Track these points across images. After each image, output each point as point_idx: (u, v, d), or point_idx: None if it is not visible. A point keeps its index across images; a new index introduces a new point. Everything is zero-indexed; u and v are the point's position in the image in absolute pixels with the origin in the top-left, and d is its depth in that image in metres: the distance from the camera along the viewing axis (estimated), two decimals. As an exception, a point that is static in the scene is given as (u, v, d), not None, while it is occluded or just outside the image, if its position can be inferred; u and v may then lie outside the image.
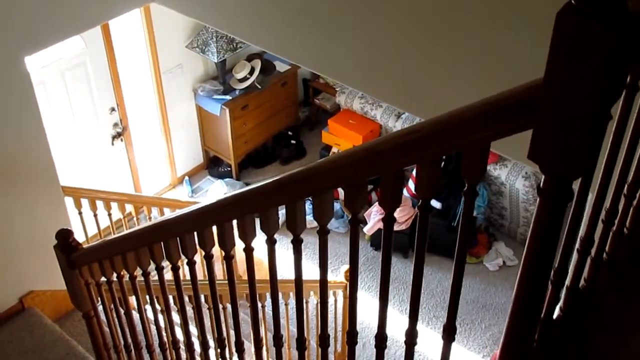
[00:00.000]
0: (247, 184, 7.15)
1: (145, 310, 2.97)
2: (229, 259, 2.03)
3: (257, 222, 1.88)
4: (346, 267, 4.59)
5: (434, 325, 5.90)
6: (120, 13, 4.29)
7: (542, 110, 1.06)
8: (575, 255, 1.64)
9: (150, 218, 5.15)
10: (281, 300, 4.49)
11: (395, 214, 5.25)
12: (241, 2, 3.79)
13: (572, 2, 0.98)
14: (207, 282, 2.22)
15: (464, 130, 1.25)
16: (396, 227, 6.07)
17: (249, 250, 1.94)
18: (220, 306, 3.84)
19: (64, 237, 2.83)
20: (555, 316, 1.70)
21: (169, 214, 4.87)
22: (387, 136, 1.40)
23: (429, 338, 5.67)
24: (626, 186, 1.65)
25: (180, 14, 4.26)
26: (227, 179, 7.17)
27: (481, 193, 6.25)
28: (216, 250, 2.12)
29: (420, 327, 5.82)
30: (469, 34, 2.94)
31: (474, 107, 1.20)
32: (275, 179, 1.69)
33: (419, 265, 1.54)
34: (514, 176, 5.99)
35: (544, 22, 1.14)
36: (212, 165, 7.43)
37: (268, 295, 4.41)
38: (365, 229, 6.52)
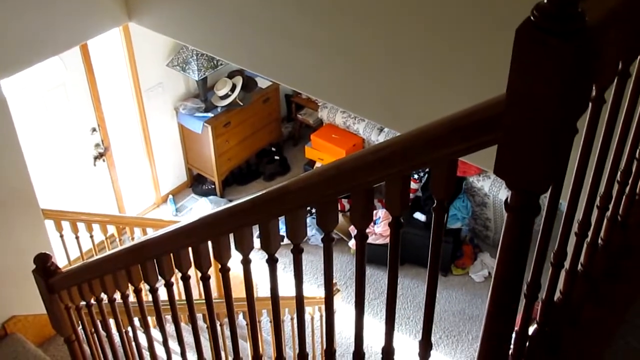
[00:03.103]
0: (232, 201, 7.13)
1: (127, 332, 2.94)
2: (205, 279, 2.02)
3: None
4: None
5: (422, 339, 5.87)
6: (98, 33, 4.28)
7: (505, 126, 1.06)
8: (549, 269, 1.63)
9: (133, 239, 5.12)
10: (267, 318, 4.48)
11: (380, 228, 5.21)
12: (218, 21, 3.80)
13: (531, 18, 0.98)
14: (192, 302, 2.21)
15: (430, 147, 1.25)
16: (381, 241, 6.07)
17: (224, 271, 1.93)
18: (205, 325, 3.82)
19: (43, 262, 2.81)
20: (531, 330, 1.70)
21: (150, 234, 4.85)
22: (355, 154, 1.40)
23: (416, 351, 5.65)
24: (598, 198, 1.66)
25: (158, 33, 4.26)
26: (211, 197, 7.15)
27: (465, 204, 6.27)
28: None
29: (407, 340, 5.81)
30: (447, 50, 2.95)
31: (439, 124, 1.20)
32: (246, 199, 1.68)
33: (392, 282, 1.53)
34: (497, 187, 6.00)
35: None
36: (196, 183, 7.40)
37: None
38: (350, 243, 6.51)
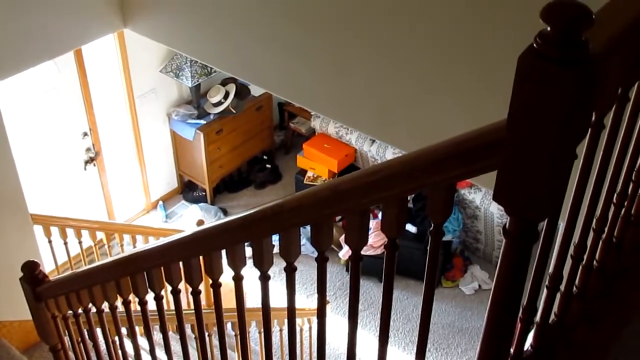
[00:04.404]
0: (222, 209, 7.11)
1: (114, 342, 2.91)
2: (196, 294, 1.99)
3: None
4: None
5: (411, 351, 5.86)
6: (93, 39, 4.26)
7: (505, 152, 1.05)
8: (544, 291, 1.62)
9: (122, 245, 5.09)
10: (255, 328, 4.45)
11: (370, 239, 5.18)
12: (212, 30, 3.78)
13: (534, 45, 0.97)
14: (188, 313, 2.19)
15: (427, 172, 1.23)
16: (371, 252, 6.05)
17: (215, 286, 1.91)
18: (193, 335, 3.79)
19: (30, 269, 2.78)
20: (525, 350, 1.68)
21: (140, 243, 4.82)
22: (350, 176, 1.38)
23: (406, 364, 5.64)
24: (595, 220, 1.65)
25: (152, 40, 4.24)
26: (201, 204, 7.12)
27: (456, 217, 6.26)
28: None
29: (396, 352, 5.79)
30: (440, 65, 2.95)
31: (437, 149, 1.19)
32: (239, 215, 1.66)
33: (387, 305, 1.51)
34: (488, 200, 6.00)
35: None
36: (187, 190, 7.37)
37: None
38: (340, 254, 6.49)
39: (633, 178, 1.74)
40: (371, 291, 6.33)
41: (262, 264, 1.73)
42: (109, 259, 2.41)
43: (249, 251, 1.75)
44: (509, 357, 1.48)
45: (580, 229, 1.59)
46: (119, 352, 2.91)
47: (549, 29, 0.95)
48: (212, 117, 6.78)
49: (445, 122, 2.98)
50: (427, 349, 5.78)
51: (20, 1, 3.61)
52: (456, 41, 2.84)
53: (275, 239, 1.68)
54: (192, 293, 2.01)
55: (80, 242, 4.72)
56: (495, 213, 6.00)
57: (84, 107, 5.95)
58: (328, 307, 5.31)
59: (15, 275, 2.92)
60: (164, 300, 2.30)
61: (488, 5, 2.72)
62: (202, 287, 2.05)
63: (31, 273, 2.78)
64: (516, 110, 1.00)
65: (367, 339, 5.79)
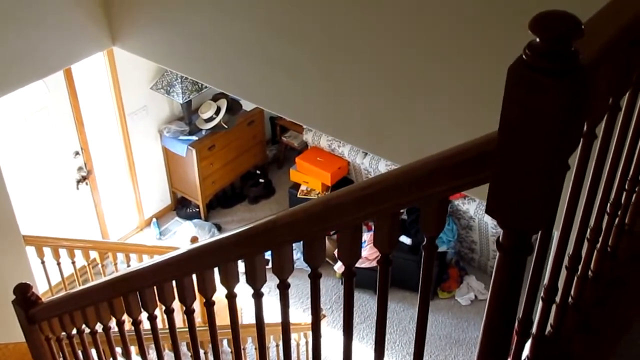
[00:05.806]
0: (216, 225, 7.09)
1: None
2: (189, 313, 1.97)
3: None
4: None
5: (408, 363, 5.84)
6: (83, 57, 4.26)
7: (496, 165, 1.04)
8: (540, 303, 1.61)
9: (115, 264, 5.06)
10: (252, 345, 4.42)
11: (365, 252, 5.15)
12: (201, 46, 3.78)
13: (523, 56, 0.96)
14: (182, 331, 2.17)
15: (419, 185, 1.22)
16: (366, 265, 6.03)
17: (209, 305, 1.89)
18: (189, 353, 3.76)
19: (23, 292, 2.76)
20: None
21: (134, 261, 4.79)
22: (343, 190, 1.37)
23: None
24: (589, 230, 1.64)
25: (142, 57, 4.24)
26: (195, 220, 7.09)
27: (451, 227, 6.25)
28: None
29: (394, 364, 5.75)
30: (430, 79, 2.95)
31: (429, 163, 1.18)
32: (231, 233, 1.65)
33: (381, 319, 1.50)
34: (482, 210, 6.00)
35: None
36: (180, 206, 7.35)
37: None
38: (335, 267, 6.47)
39: (626, 187, 1.74)
40: (367, 304, 6.30)
41: (255, 281, 1.71)
42: (102, 279, 2.39)
43: (242, 267, 1.74)
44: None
45: (575, 239, 1.58)
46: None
47: (538, 40, 0.95)
48: (204, 133, 6.77)
49: (438, 135, 2.98)
50: (425, 361, 5.79)
51: (7, 22, 3.61)
52: (448, 54, 2.85)
53: (268, 255, 1.66)
54: (185, 312, 1.99)
55: (73, 262, 4.69)
56: (490, 223, 6.00)
57: (75, 126, 5.93)
58: (324, 321, 5.30)
59: (8, 297, 2.89)
60: (158, 319, 2.28)
61: (478, 18, 2.73)
62: (196, 304, 2.03)
63: (23, 295, 2.76)
64: (507, 122, 0.99)
65: (365, 352, 5.76)
